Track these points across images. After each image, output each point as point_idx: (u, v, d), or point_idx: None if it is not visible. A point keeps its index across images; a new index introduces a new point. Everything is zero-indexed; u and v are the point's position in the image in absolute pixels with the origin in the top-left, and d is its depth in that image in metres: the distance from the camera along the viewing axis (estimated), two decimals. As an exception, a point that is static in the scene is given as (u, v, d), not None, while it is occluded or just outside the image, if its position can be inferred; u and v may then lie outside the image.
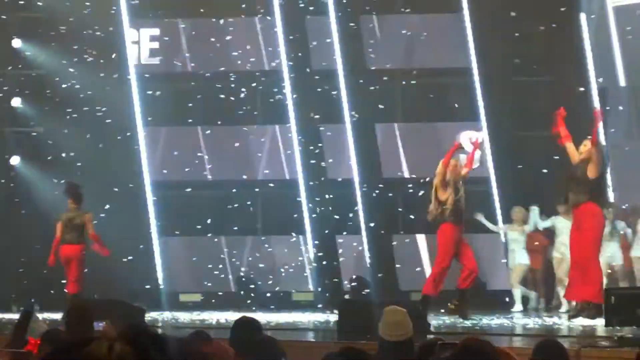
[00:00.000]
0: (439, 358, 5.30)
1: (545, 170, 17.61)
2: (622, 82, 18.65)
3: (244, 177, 18.86)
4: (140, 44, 19.12)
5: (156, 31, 19.12)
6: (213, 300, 18.27)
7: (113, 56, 18.73)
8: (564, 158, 17.38)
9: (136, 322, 11.56)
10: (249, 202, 18.76)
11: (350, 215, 18.37)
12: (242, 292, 18.47)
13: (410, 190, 17.96)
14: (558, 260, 16.51)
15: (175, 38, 19.14)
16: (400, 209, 18.49)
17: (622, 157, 18.06)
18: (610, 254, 16.21)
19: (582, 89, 18.09)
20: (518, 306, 16.87)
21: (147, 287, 18.07)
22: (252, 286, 18.61)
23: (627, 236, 16.91)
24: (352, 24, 18.79)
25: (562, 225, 16.15)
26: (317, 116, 18.71)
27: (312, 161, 18.66)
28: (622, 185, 18.16)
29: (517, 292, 17.06)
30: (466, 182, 14.57)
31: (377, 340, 7.04)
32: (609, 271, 16.32)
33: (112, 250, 17.99)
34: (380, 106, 18.56)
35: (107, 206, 18.00)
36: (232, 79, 18.81)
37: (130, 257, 18.11)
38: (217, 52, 18.95)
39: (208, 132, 19.08)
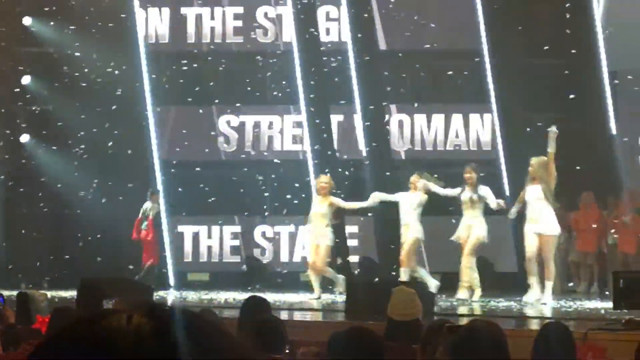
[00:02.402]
0: (446, 340, 5.32)
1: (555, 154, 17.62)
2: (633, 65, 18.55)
3: (252, 157, 18.87)
4: (150, 23, 19.11)
5: (166, 10, 19.10)
6: (222, 280, 18.30)
7: (123, 34, 18.74)
8: (574, 141, 17.42)
9: (145, 299, 11.61)
10: (259, 182, 18.78)
11: (360, 196, 18.36)
12: (250, 272, 18.50)
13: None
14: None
15: (185, 17, 19.12)
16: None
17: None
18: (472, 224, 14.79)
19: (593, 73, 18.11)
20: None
21: (155, 265, 18.08)
22: (261, 266, 18.66)
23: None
24: (363, 6, 18.77)
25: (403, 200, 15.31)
26: (327, 97, 18.71)
27: (321, 141, 18.67)
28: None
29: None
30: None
31: (385, 320, 7.06)
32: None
33: (122, 229, 18.08)
34: (389, 88, 18.58)
35: (117, 184, 18.05)
36: (242, 58, 18.82)
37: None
38: (228, 32, 18.95)
39: (218, 111, 19.10)
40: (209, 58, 19.00)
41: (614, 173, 17.94)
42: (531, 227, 14.28)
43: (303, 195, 18.39)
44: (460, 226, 14.95)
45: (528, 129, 18.39)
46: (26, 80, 19.06)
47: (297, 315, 12.93)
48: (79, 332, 1.44)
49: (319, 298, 15.04)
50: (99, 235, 18.15)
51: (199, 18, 19.13)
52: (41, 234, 18.63)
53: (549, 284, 14.25)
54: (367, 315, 10.50)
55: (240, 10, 19.01)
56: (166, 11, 19.10)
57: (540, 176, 14.25)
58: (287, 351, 6.58)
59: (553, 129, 14.42)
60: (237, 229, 18.95)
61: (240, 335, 7.03)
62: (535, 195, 14.22)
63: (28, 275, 17.81)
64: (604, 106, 18.16)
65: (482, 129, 18.62)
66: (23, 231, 18.45)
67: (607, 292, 16.19)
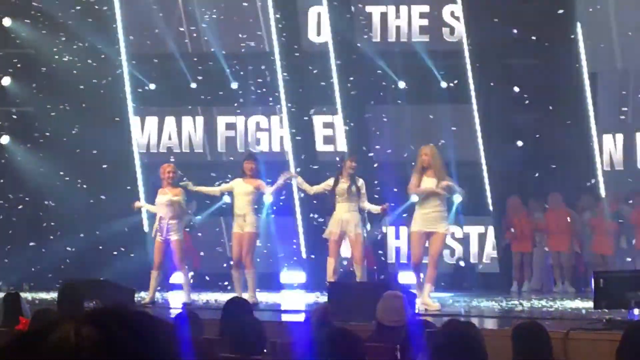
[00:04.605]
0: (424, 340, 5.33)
1: (534, 154, 17.71)
2: (618, 65, 18.58)
3: (232, 158, 18.86)
4: (132, 24, 19.06)
5: (148, 11, 19.04)
6: (204, 281, 18.27)
7: (104, 35, 18.69)
8: (553, 141, 17.50)
9: (124, 302, 11.58)
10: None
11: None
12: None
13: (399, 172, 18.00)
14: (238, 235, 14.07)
15: (167, 19, 19.09)
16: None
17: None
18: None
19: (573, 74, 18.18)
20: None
21: (138, 267, 18.04)
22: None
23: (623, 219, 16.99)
24: (343, 9, 18.79)
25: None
26: (307, 97, 18.72)
27: (303, 142, 18.67)
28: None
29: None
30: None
31: (367, 321, 7.08)
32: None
33: (102, 230, 18.04)
34: (370, 87, 18.60)
35: (98, 185, 18.01)
36: (222, 59, 18.79)
37: (121, 237, 18.12)
38: (209, 32, 18.93)
39: (199, 112, 19.10)
40: (194, 59, 18.97)
41: (593, 173, 18.01)
42: (421, 225, 12.89)
43: (283, 196, 18.41)
44: (331, 221, 13.65)
45: (508, 129, 18.48)
46: (6, 81, 18.99)
47: (278, 317, 12.92)
48: (26, 350, 1.36)
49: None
50: (81, 236, 18.11)
51: (179, 19, 19.10)
52: (22, 236, 18.56)
53: (429, 287, 12.85)
54: (349, 316, 10.51)
55: (223, 10, 19.01)
56: (148, 12, 19.04)
57: (434, 166, 12.80)
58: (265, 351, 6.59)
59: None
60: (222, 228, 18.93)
61: (222, 336, 7.03)
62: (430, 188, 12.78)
63: (8, 277, 17.72)
64: (584, 106, 18.21)
65: (462, 129, 18.64)
66: (2, 233, 18.36)
67: (583, 291, 16.30)
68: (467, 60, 18.42)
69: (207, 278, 18.30)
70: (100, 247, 17.97)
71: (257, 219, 14.13)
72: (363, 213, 13.62)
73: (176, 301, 15.33)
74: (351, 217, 13.41)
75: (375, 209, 13.61)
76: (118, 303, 1.45)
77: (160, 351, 1.38)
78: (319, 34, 18.92)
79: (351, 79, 18.64)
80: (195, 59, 18.93)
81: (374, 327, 7.31)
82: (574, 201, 17.47)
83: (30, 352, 1.36)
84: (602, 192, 17.80)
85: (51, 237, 18.36)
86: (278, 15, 18.77)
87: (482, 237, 18.49)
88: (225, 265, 18.74)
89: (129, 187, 18.53)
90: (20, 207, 18.60)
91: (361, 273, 13.48)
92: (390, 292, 7.25)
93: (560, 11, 18.04)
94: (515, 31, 18.22)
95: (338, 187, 13.50)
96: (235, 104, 18.98)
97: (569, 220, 17.21)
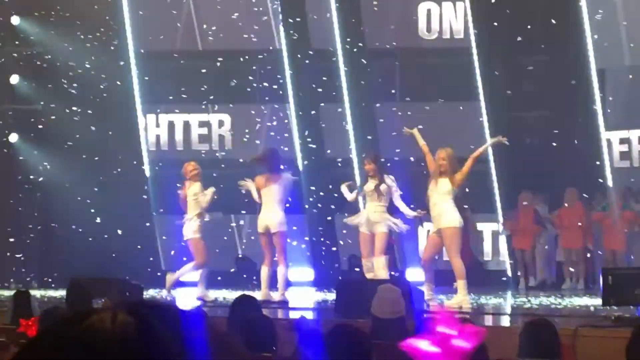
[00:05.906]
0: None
1: (543, 151, 17.69)
2: (627, 61, 18.52)
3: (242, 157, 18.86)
4: (140, 22, 19.07)
5: (156, 9, 19.06)
6: (212, 278, 18.26)
7: (112, 34, 18.70)
8: (562, 138, 17.47)
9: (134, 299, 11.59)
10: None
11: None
12: (239, 270, 18.48)
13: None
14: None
15: (175, 16, 19.10)
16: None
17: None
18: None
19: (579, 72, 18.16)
20: None
21: (146, 264, 18.07)
22: (250, 266, 18.63)
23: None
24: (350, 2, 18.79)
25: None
26: (315, 95, 18.71)
27: (311, 140, 18.67)
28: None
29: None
30: None
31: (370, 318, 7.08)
32: None
33: (111, 228, 18.07)
34: (379, 83, 18.59)
35: (106, 183, 18.03)
36: (230, 57, 18.80)
37: (129, 235, 18.13)
38: (218, 31, 18.93)
39: (209, 110, 19.10)
40: (199, 58, 18.98)
41: (601, 170, 17.99)
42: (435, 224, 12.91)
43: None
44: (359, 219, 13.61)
45: (516, 127, 18.46)
46: (14, 79, 19.01)
47: (286, 314, 12.92)
48: (63, 333, 1.43)
49: None
50: (90, 233, 18.12)
51: (188, 17, 19.11)
52: (30, 234, 18.59)
53: (462, 283, 12.83)
54: (356, 313, 10.51)
55: (232, 9, 19.00)
56: (156, 10, 19.05)
57: (450, 171, 12.75)
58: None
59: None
60: (232, 225, 18.94)
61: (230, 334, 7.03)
62: (445, 190, 12.71)
63: (18, 275, 17.76)
64: (591, 102, 18.18)
65: (470, 126, 18.63)
66: (12, 230, 18.39)
67: (592, 288, 16.28)
68: (475, 58, 18.40)
69: (219, 278, 18.31)
70: (109, 245, 17.98)
71: (284, 215, 13.85)
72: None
73: (182, 299, 15.34)
74: (378, 217, 13.34)
75: (409, 213, 13.51)
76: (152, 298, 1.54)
77: (188, 342, 1.45)
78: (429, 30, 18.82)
79: (358, 76, 18.63)
80: (205, 57, 18.92)
81: (370, 323, 7.32)
82: (582, 198, 17.42)
83: (67, 334, 1.43)
84: (612, 189, 17.76)
85: (59, 234, 18.37)
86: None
87: (490, 235, 18.47)
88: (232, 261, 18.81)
89: (139, 184, 18.57)
90: (28, 204, 18.60)
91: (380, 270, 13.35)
92: (384, 285, 7.25)
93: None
94: (528, 27, 18.21)
95: (365, 187, 13.57)
96: (247, 102, 18.98)
97: (582, 217, 17.12)
